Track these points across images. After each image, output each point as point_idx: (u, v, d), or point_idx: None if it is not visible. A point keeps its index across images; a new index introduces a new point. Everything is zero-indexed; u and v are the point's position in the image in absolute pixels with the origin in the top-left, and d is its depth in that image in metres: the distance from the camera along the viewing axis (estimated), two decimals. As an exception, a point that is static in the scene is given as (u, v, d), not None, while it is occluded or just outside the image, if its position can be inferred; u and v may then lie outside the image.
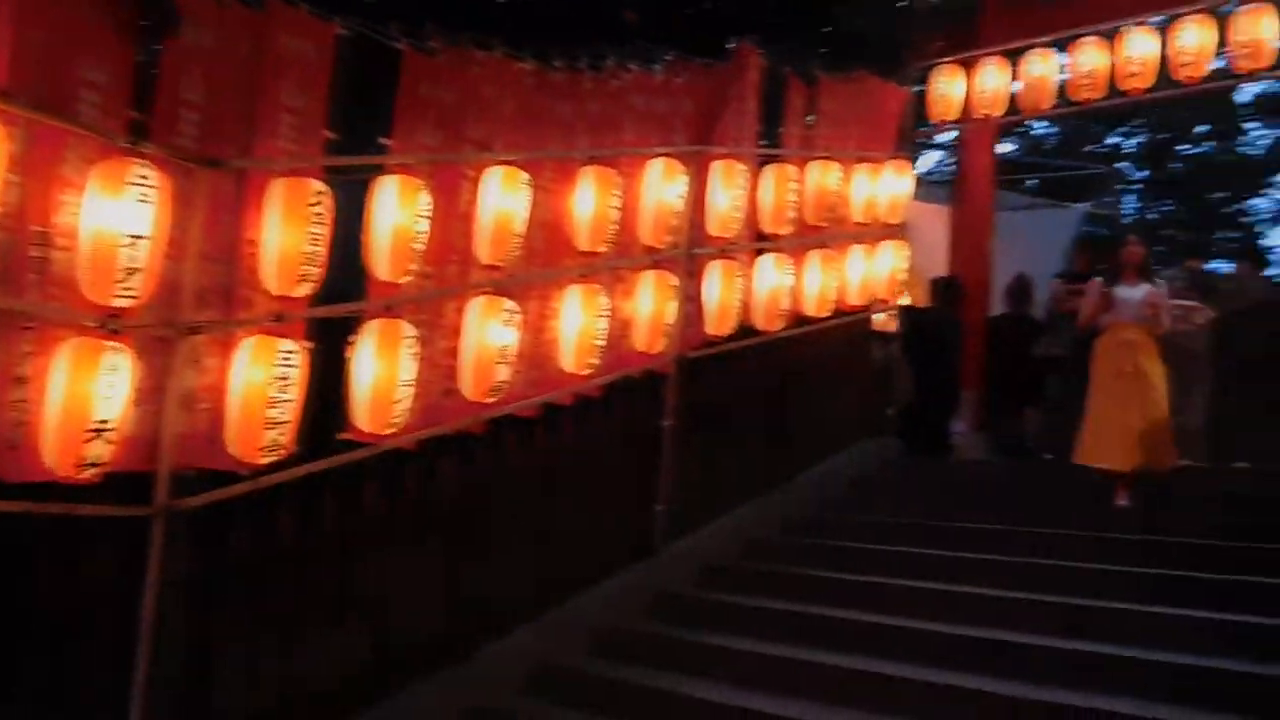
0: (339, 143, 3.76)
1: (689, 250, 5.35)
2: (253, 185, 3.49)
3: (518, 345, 4.28)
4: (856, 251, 6.78)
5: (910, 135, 7.58)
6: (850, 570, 5.21)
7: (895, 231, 7.20)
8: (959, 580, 4.87)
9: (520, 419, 4.56)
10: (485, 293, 4.24)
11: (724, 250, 5.59)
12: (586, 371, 4.70)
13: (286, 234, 3.48)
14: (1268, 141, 22.76)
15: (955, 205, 8.36)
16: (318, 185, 3.54)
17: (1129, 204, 20.69)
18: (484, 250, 4.25)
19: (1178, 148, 22.60)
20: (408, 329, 3.84)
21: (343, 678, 3.79)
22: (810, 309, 6.28)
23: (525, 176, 4.32)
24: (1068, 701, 3.68)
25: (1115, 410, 5.71)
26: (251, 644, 3.54)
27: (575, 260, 4.78)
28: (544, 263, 4.70)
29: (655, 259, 5.15)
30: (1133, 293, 5.84)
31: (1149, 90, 6.73)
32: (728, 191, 5.52)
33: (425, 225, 3.89)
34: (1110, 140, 21.89)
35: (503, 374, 4.21)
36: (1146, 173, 22.73)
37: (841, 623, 4.66)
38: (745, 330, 5.80)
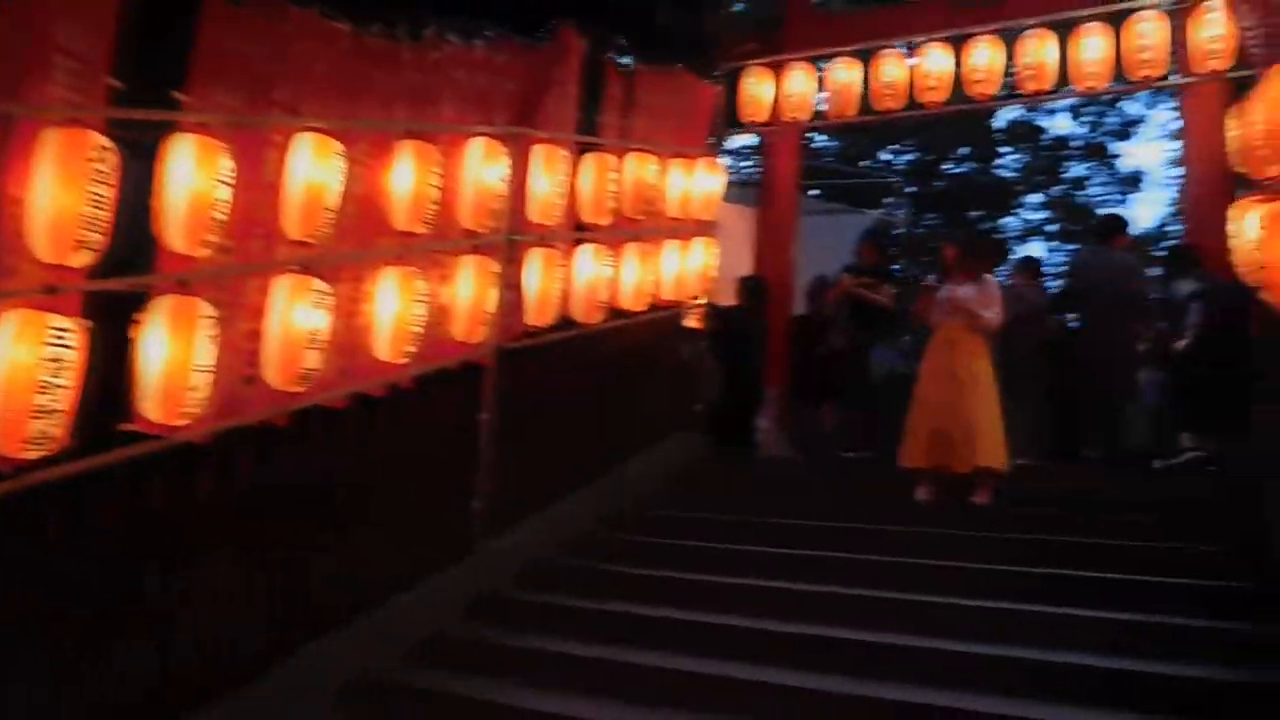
0: (126, 94, 3.30)
1: (509, 236, 5.13)
2: (20, 135, 2.99)
3: (328, 330, 3.92)
4: (671, 247, 6.77)
5: (721, 134, 7.65)
6: (672, 567, 5.15)
7: (707, 229, 7.25)
8: (781, 576, 4.91)
9: (329, 411, 4.19)
10: (293, 271, 3.85)
11: (545, 238, 5.40)
12: (402, 360, 4.39)
13: (60, 193, 3.00)
14: (1019, 165, 25.00)
15: (761, 207, 8.54)
16: (100, 139, 3.07)
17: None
18: (292, 224, 3.87)
19: (942, 167, 24.42)
20: (205, 308, 3.42)
21: (121, 705, 3.31)
22: (627, 302, 6.20)
23: (339, 147, 3.96)
24: (898, 698, 3.73)
25: (930, 411, 5.84)
26: (9, 669, 3.02)
27: (391, 241, 4.46)
28: (357, 242, 4.35)
29: (476, 244, 4.89)
30: (951, 292, 6.09)
31: (946, 104, 7.09)
32: (549, 177, 5.34)
33: (226, 193, 3.48)
34: (883, 157, 23.34)
35: (311, 361, 3.84)
36: (914, 189, 24.36)
37: (666, 622, 4.57)
38: (564, 322, 5.64)
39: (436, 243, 4.75)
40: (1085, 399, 6.92)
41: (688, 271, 6.95)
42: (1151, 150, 25.72)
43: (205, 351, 3.40)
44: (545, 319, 5.37)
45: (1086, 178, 24.82)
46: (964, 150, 24.29)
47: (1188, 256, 6.65)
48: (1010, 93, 7.05)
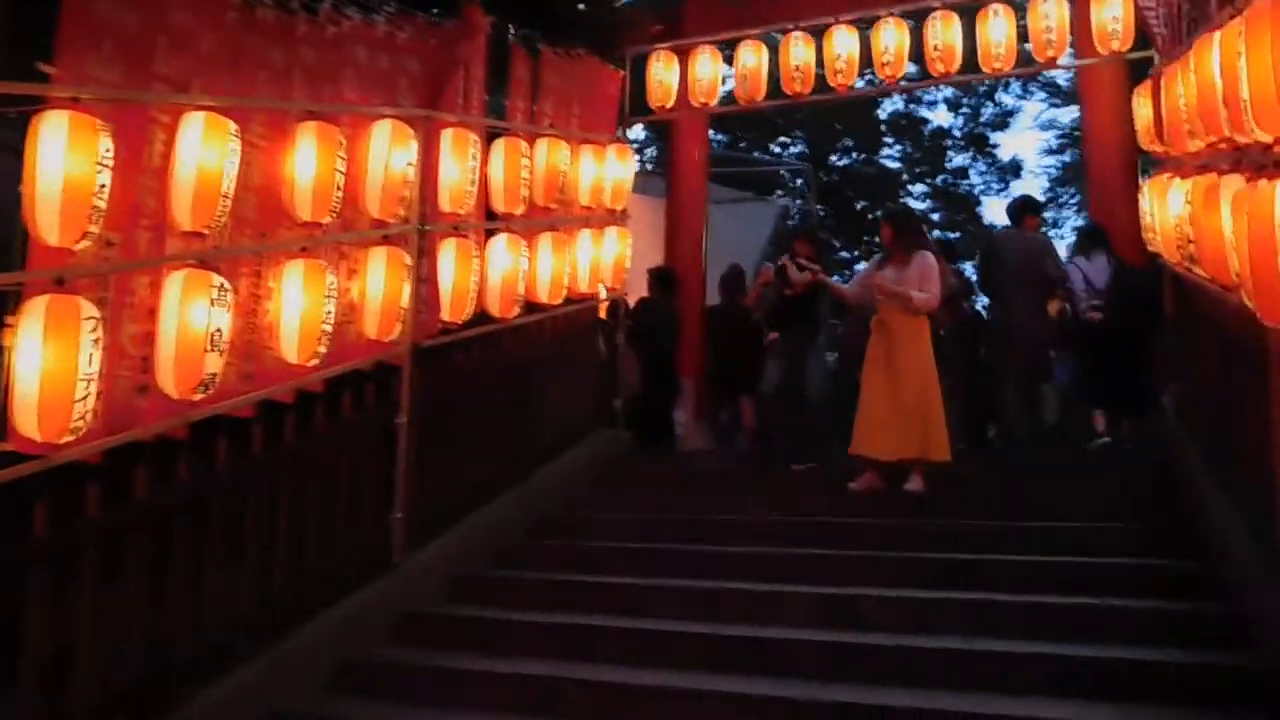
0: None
1: (421, 226, 4.79)
2: None
3: (229, 331, 3.53)
4: (584, 237, 6.50)
5: (627, 121, 7.42)
6: (604, 572, 4.91)
7: (619, 218, 7.01)
8: (716, 576, 4.72)
9: (233, 420, 3.80)
10: (187, 266, 3.45)
11: (458, 228, 5.08)
12: (311, 362, 4.01)
13: (-92, 177, 2.57)
14: (901, 156, 25.60)
15: (669, 196, 8.35)
16: (-46, 115, 2.65)
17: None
18: (183, 214, 3.47)
19: (830, 159, 24.76)
20: (88, 308, 3.00)
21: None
22: (543, 295, 5.90)
23: (232, 127, 3.57)
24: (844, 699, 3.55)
25: (869, 399, 5.66)
26: None
27: (294, 232, 4.08)
28: (257, 234, 3.97)
29: (386, 234, 4.54)
30: (871, 277, 5.93)
31: (853, 87, 7.02)
32: (459, 163, 5.01)
33: (107, 177, 3.07)
34: (773, 149, 23.52)
35: (211, 365, 3.45)
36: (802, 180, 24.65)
37: (601, 632, 4.33)
38: (480, 317, 5.32)
39: (344, 234, 4.39)
40: (999, 382, 6.95)
41: (602, 262, 6.69)
42: (1026, 140, 26.61)
43: (90, 358, 2.99)
44: (461, 314, 5.04)
45: (967, 167, 25.66)
46: (849, 142, 24.73)
47: (1097, 236, 6.74)
48: (919, 75, 7.01)
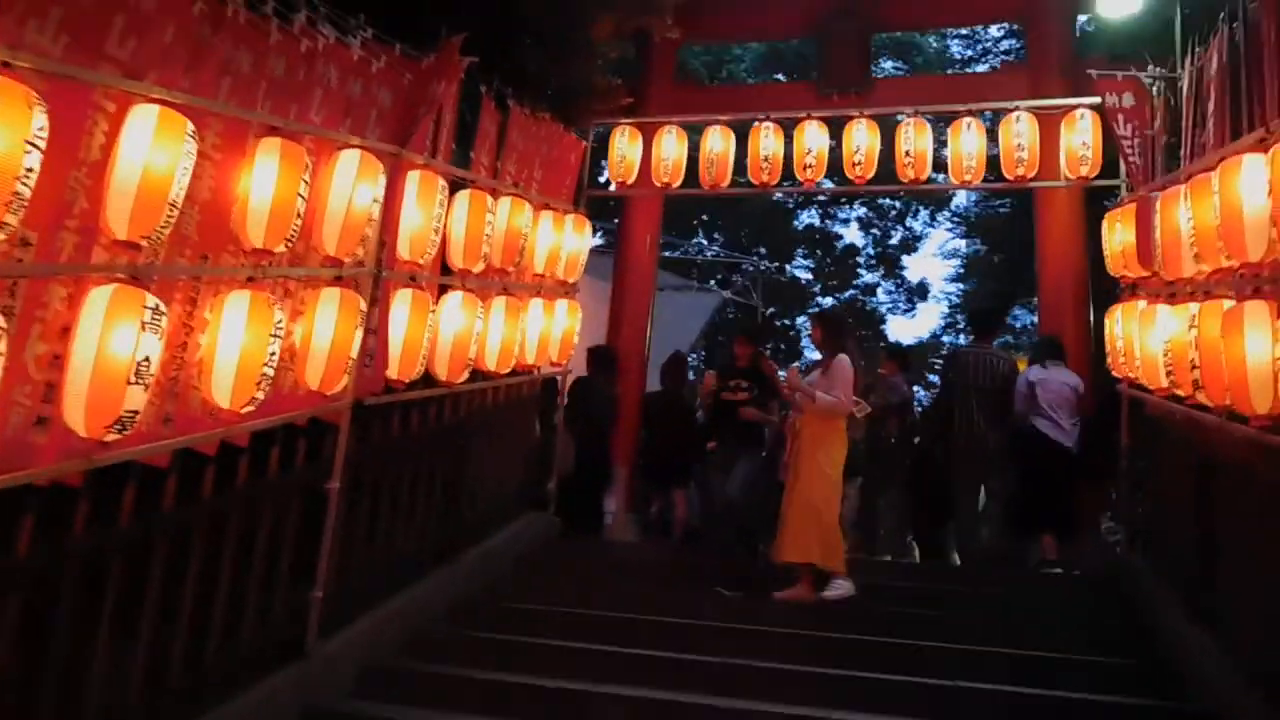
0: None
1: (377, 271, 4.31)
2: None
3: (158, 363, 2.98)
4: (535, 306, 6.09)
5: (584, 194, 7.10)
6: (528, 670, 4.37)
7: (571, 290, 6.63)
8: (641, 681, 4.25)
9: (145, 469, 3.20)
10: (116, 280, 2.91)
11: (415, 278, 4.61)
12: (245, 409, 3.45)
13: None
14: (811, 268, 26.08)
15: (617, 275, 8.03)
16: None
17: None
18: (119, 219, 2.93)
19: (744, 265, 25.07)
20: (-10, 315, 2.45)
21: None
22: (491, 362, 5.44)
23: (189, 127, 3.08)
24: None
25: (783, 501, 5.45)
26: None
27: (241, 259, 3.56)
28: (197, 254, 3.44)
29: (340, 274, 4.04)
30: (811, 377, 5.72)
31: (821, 183, 6.89)
32: (425, 209, 4.57)
33: (36, 160, 2.54)
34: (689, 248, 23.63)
35: (133, 401, 2.88)
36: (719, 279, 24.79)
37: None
38: (425, 379, 4.82)
39: (295, 269, 3.88)
40: (962, 493, 6.72)
41: (551, 335, 6.27)
42: (931, 265, 27.52)
43: (-16, 376, 2.41)
44: (410, 372, 4.54)
45: (876, 285, 26.28)
46: (762, 249, 25.11)
47: (1056, 348, 6.64)
48: (889, 178, 6.93)
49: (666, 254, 10.21)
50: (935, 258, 26.88)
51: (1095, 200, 7.72)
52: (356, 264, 4.20)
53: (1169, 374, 4.64)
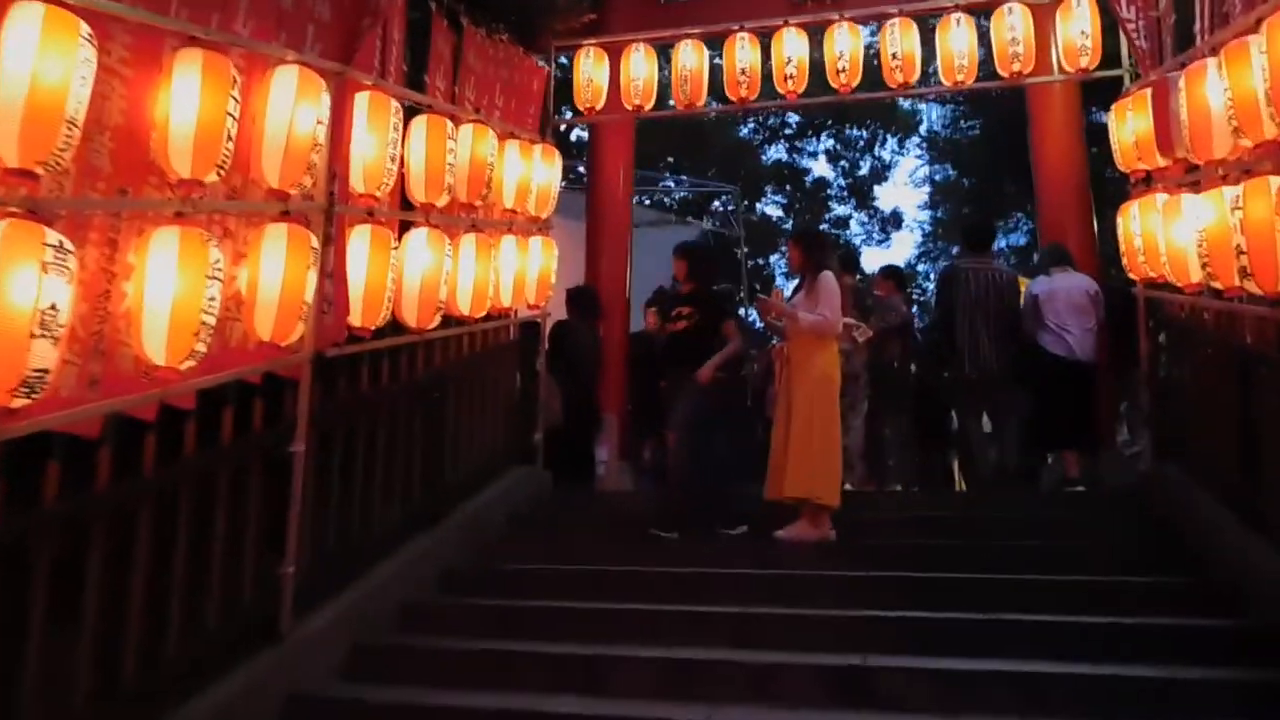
0: None
1: (329, 205, 3.82)
2: None
3: (69, 312, 2.51)
4: (508, 244, 5.61)
5: (549, 124, 6.60)
6: (529, 637, 4.01)
7: (544, 227, 6.16)
8: (658, 639, 3.89)
9: (70, 440, 2.74)
10: (8, 214, 2.43)
11: (373, 213, 4.13)
12: (185, 366, 2.98)
13: None
14: (782, 204, 25.61)
15: (590, 212, 7.54)
16: None
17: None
18: (6, 142, 2.44)
19: (720, 198, 24.53)
20: None
21: None
22: (464, 306, 4.98)
23: (84, 30, 2.57)
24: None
25: (774, 435, 5.08)
26: None
27: (168, 192, 3.07)
28: (114, 189, 2.94)
29: (286, 210, 3.55)
30: (762, 301, 5.39)
31: (804, 95, 6.40)
32: (378, 135, 4.07)
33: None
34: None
35: (41, 358, 2.41)
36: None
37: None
38: (392, 326, 4.37)
39: (232, 203, 3.40)
40: (964, 418, 6.37)
41: (526, 275, 5.81)
42: (902, 194, 27.18)
43: None
44: (375, 319, 4.08)
45: (849, 217, 25.86)
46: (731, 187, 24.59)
47: (1061, 254, 6.25)
48: (876, 85, 6.48)
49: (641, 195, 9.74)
50: (907, 186, 26.61)
51: (1094, 97, 7.33)
52: (305, 198, 3.72)
53: (1205, 266, 4.25)
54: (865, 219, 25.91)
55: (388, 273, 4.09)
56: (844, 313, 6.26)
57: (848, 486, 5.99)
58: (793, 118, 24.95)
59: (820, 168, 25.62)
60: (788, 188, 25.48)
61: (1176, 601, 3.88)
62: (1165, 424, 5.40)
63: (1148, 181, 5.32)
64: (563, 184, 6.26)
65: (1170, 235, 4.74)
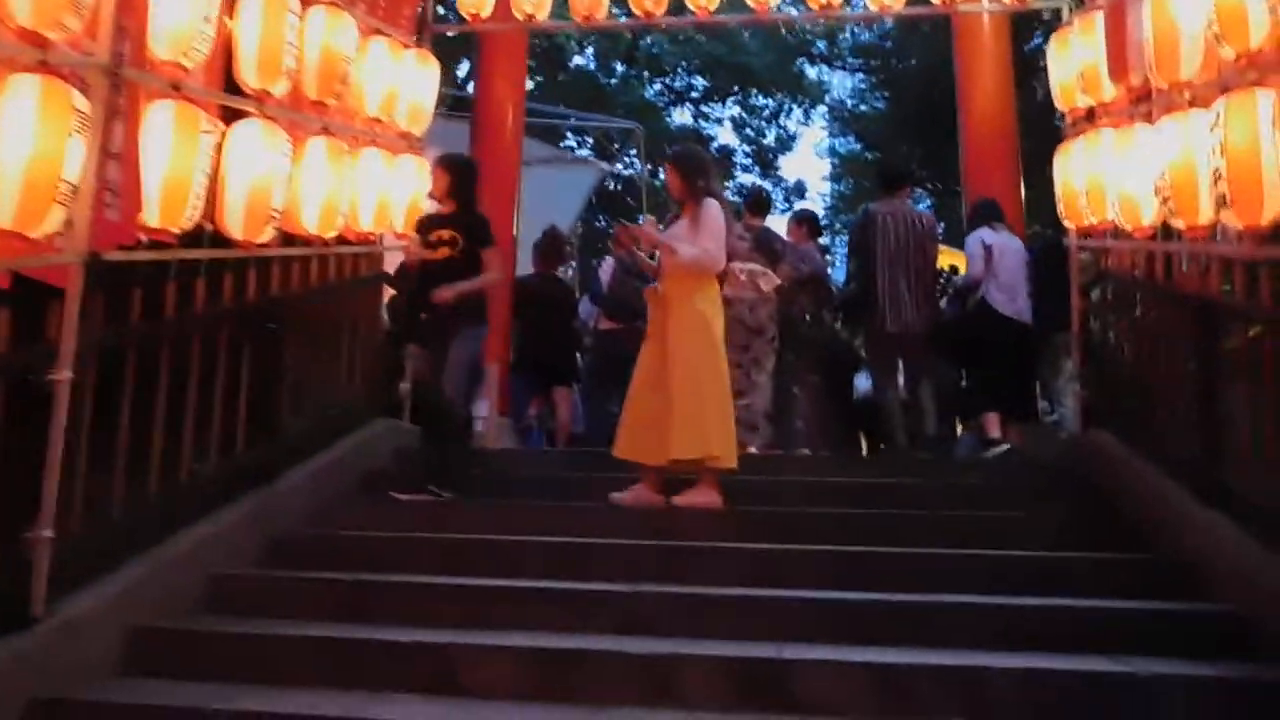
0: None
1: (115, 65, 2.96)
2: None
3: None
4: (371, 158, 4.79)
5: (430, 28, 5.75)
6: (373, 621, 3.26)
7: (417, 146, 5.34)
8: (529, 623, 3.21)
9: None
10: None
11: (179, 87, 3.27)
12: None
13: None
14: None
15: (475, 139, 6.70)
16: None
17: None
18: None
19: (616, 167, 23.73)
20: None
21: None
22: (309, 223, 4.16)
23: None
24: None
25: (634, 387, 4.37)
26: None
27: None
28: None
29: (46, 58, 2.68)
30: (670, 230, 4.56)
31: (718, 11, 5.70)
32: (189, -11, 3.22)
33: None
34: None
35: None
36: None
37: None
38: (210, 235, 3.54)
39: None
40: (876, 378, 5.83)
41: (393, 198, 4.98)
42: (806, 164, 27.04)
43: None
44: (176, 219, 3.24)
45: (754, 184, 25.45)
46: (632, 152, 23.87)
47: (996, 210, 5.73)
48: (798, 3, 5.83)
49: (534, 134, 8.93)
50: (815, 157, 26.45)
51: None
52: (85, 54, 2.85)
53: (1165, 202, 3.73)
54: (770, 188, 25.60)
55: (195, 163, 3.25)
56: (749, 258, 5.68)
57: (752, 450, 5.41)
58: (699, 80, 24.46)
59: (726, 135, 25.18)
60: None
61: (1128, 582, 3.37)
62: (1099, 389, 4.94)
63: (1089, 119, 4.84)
64: (448, 110, 5.48)
65: (1120, 173, 4.24)
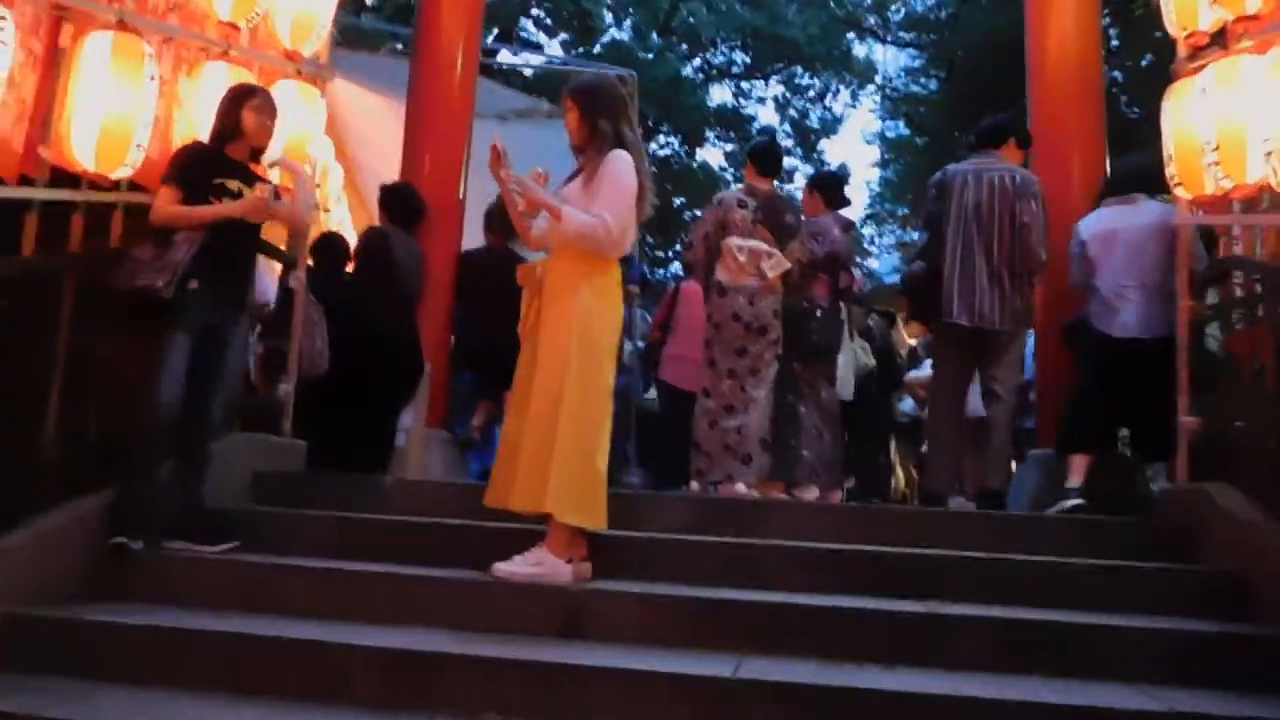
0: None
1: None
2: None
3: None
4: (215, 75, 3.52)
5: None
6: None
7: (315, 75, 4.06)
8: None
9: None
10: None
11: None
12: None
13: None
14: (725, 152, 23.63)
15: (415, 82, 5.37)
16: None
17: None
18: None
19: (650, 146, 22.42)
20: None
21: None
22: (82, 156, 2.89)
23: None
24: None
25: (507, 409, 3.26)
26: None
27: None
28: None
29: None
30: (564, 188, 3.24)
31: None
32: None
33: None
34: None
35: None
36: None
37: None
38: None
39: None
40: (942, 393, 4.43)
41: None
42: (851, 150, 25.67)
43: None
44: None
45: (795, 170, 24.02)
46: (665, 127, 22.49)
47: (1132, 174, 4.19)
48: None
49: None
50: (865, 142, 25.13)
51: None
52: None
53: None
54: (812, 173, 24.16)
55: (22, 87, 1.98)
56: (751, 233, 4.33)
57: (740, 488, 4.08)
58: (740, 56, 23.20)
59: (769, 115, 23.83)
60: (732, 134, 23.54)
61: None
62: (1218, 425, 3.49)
63: (1221, 42, 3.43)
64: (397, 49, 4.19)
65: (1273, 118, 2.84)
